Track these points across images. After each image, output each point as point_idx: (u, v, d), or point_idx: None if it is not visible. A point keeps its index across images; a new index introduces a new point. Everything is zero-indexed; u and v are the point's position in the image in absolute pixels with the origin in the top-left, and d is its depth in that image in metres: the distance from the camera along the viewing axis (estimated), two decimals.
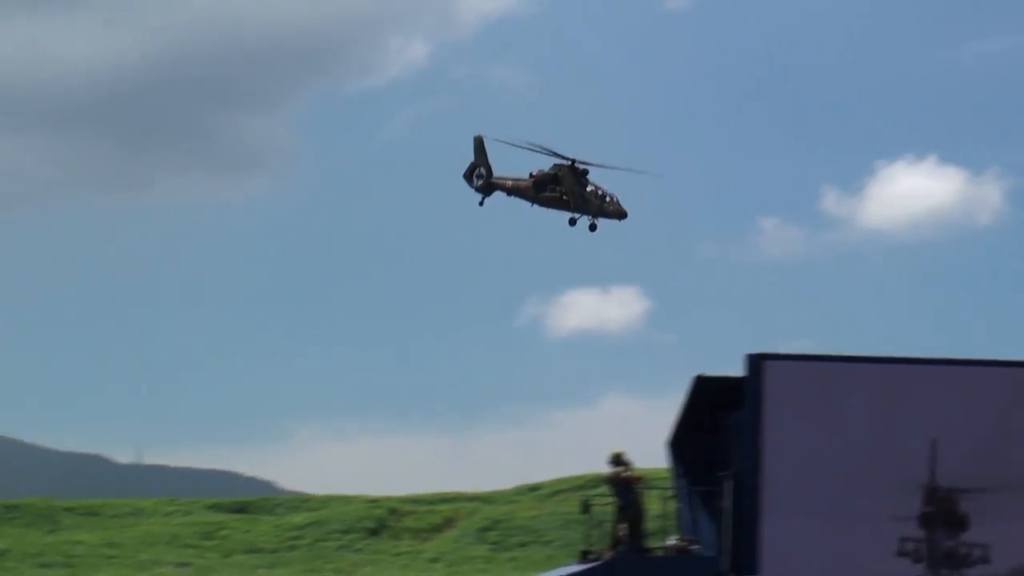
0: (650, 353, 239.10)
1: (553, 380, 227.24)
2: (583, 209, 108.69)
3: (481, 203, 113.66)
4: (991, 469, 32.09)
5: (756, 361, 31.71)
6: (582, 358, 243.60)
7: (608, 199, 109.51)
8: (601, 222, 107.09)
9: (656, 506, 33.84)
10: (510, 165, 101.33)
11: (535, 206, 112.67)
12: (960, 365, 32.55)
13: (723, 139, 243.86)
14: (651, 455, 34.67)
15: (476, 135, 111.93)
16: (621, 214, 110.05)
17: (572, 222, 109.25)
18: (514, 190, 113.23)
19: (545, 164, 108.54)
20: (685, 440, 33.78)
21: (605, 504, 33.57)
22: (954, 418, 32.06)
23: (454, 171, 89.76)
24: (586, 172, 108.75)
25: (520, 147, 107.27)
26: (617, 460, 33.35)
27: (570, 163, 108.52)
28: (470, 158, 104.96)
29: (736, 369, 32.03)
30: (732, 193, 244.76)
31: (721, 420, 32.78)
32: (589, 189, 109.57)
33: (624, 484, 32.92)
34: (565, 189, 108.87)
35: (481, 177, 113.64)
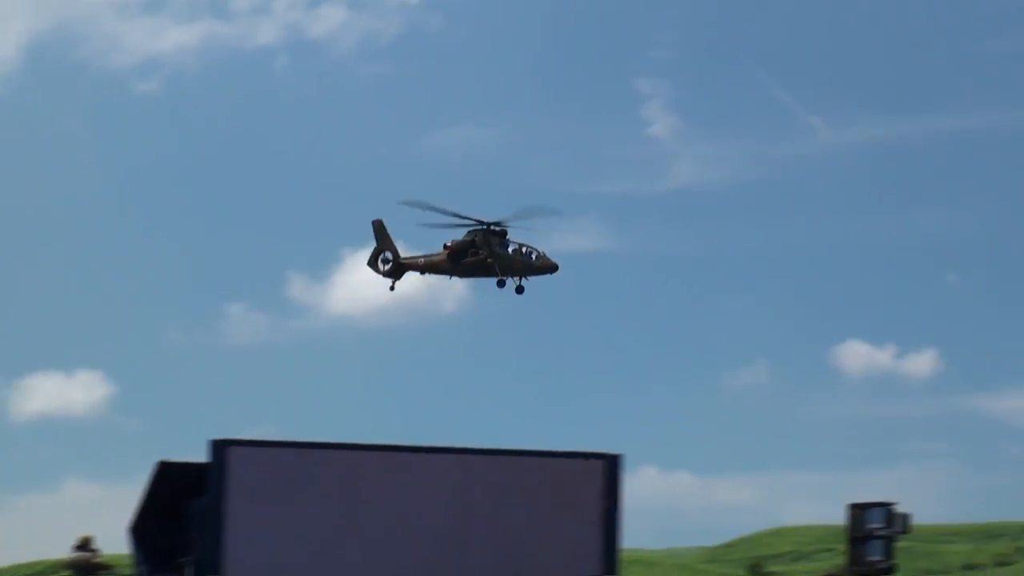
0: (115, 438, 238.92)
1: (14, 464, 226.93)
2: (509, 271, 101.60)
3: (392, 287, 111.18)
4: (451, 555, 32.41)
5: (219, 447, 31.53)
6: (45, 442, 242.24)
7: (535, 255, 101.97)
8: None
9: None
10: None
11: (453, 279, 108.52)
12: (419, 452, 32.80)
13: (186, 223, 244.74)
14: (117, 541, 34.48)
15: (375, 219, 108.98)
16: (551, 267, 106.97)
17: (500, 284, 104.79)
18: (428, 267, 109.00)
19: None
20: (147, 526, 33.55)
21: None
22: (415, 504, 32.34)
23: None
24: (505, 233, 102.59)
25: (436, 212, 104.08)
26: (84, 545, 33.57)
27: (485, 227, 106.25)
28: None
29: (201, 455, 31.83)
30: (199, 278, 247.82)
31: (184, 506, 32.61)
32: (512, 249, 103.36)
33: (90, 569, 33.15)
34: (487, 253, 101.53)
35: (388, 261, 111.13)
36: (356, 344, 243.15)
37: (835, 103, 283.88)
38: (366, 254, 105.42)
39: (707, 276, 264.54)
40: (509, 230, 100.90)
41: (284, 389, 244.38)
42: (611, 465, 33.29)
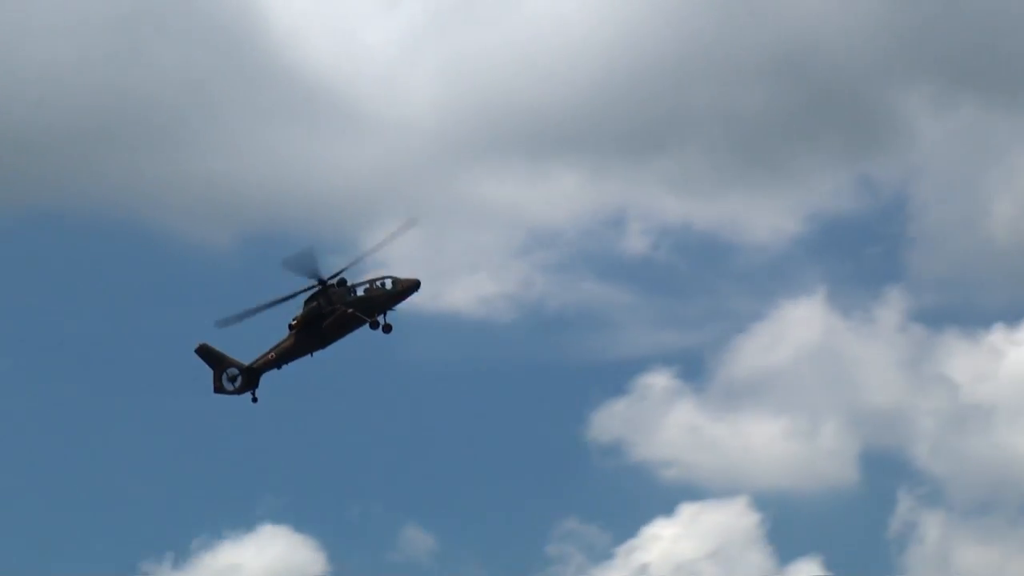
0: None
1: None
2: (376, 310, 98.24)
3: (255, 399, 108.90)
4: None
5: None
6: None
7: (390, 281, 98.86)
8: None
9: None
10: None
11: (327, 348, 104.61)
12: None
13: None
14: None
15: (198, 345, 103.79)
16: (413, 285, 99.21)
17: (374, 326, 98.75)
18: (283, 355, 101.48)
19: None
20: None
21: None
22: None
23: None
24: (344, 280, 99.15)
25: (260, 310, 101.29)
26: None
27: (320, 285, 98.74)
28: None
29: None
30: None
31: None
32: (364, 288, 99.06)
33: None
34: (342, 307, 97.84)
35: (234, 377, 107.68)
36: None
37: None
38: None
39: None
40: (345, 273, 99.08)
41: None
42: None
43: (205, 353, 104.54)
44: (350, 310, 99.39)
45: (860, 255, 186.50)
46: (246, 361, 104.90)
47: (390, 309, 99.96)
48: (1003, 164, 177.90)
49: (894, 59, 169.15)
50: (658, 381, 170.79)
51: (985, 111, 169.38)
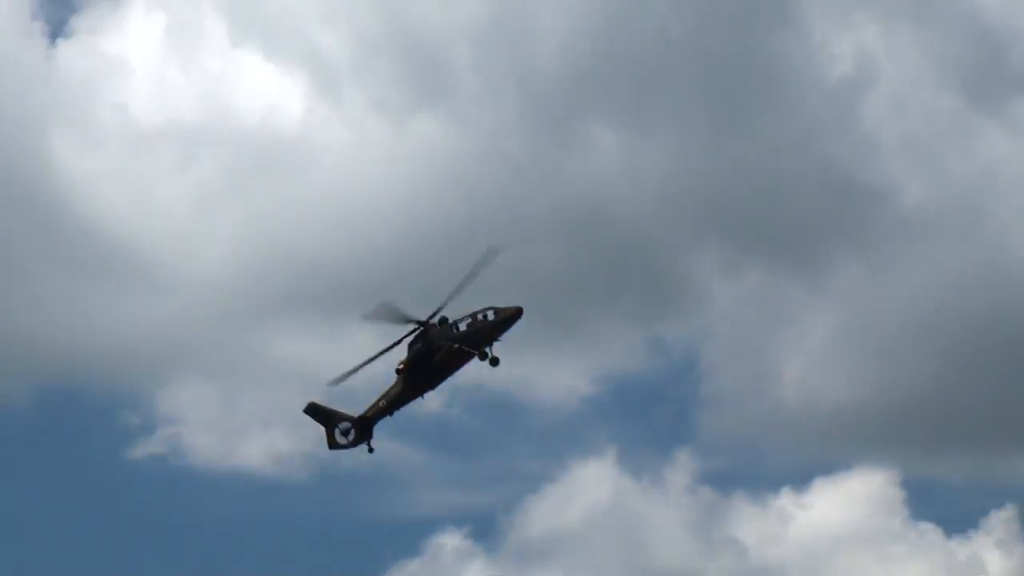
0: None
1: None
2: (483, 342, 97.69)
3: (371, 449, 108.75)
4: None
5: None
6: None
7: (492, 313, 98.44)
8: None
9: None
10: None
11: (438, 388, 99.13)
12: None
13: None
14: None
15: (307, 405, 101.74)
16: (516, 313, 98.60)
17: (483, 357, 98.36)
18: (395, 400, 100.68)
19: None
20: None
21: None
22: None
23: None
24: (445, 319, 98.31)
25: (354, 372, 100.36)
26: None
27: (420, 327, 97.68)
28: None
29: None
30: None
31: None
32: (468, 324, 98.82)
33: None
34: (447, 348, 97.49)
35: (347, 431, 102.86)
36: None
37: None
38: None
39: None
40: (444, 311, 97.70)
41: None
42: None
43: (314, 411, 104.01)
44: (456, 345, 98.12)
45: (651, 416, 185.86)
46: (355, 413, 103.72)
47: (496, 340, 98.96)
48: (792, 327, 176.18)
49: (686, 222, 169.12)
50: (450, 541, 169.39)
51: (774, 275, 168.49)
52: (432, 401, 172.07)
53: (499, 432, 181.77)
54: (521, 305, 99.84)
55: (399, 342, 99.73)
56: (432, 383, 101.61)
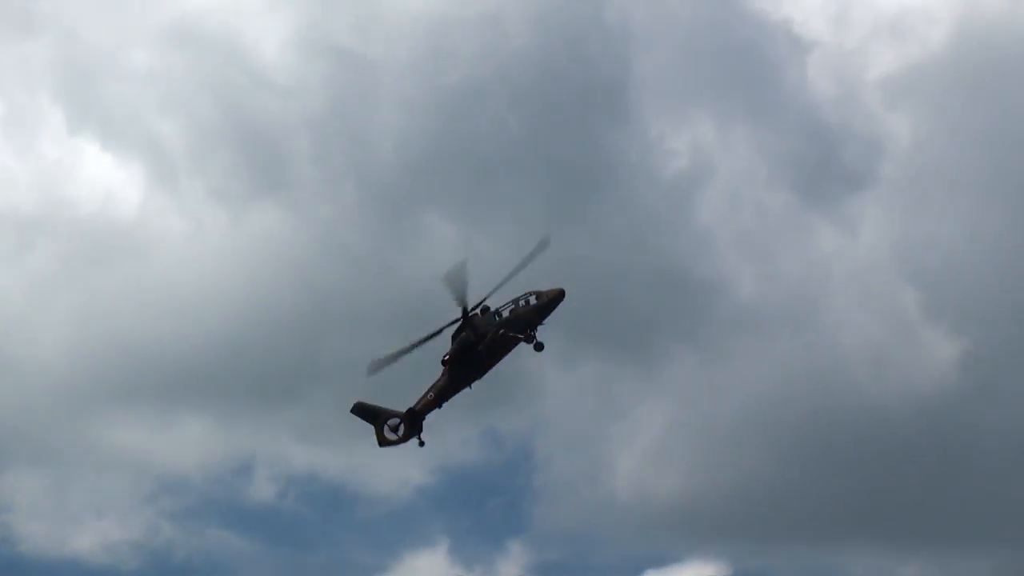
0: None
1: None
2: (527, 326, 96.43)
3: (421, 443, 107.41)
4: None
5: None
6: None
7: (534, 297, 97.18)
8: None
9: None
10: None
11: (491, 371, 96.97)
12: None
13: None
14: None
15: (353, 404, 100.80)
16: (559, 296, 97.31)
17: (529, 340, 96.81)
18: (443, 391, 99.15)
19: None
20: None
21: None
22: None
23: None
24: (487, 308, 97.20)
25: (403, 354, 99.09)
26: None
27: (464, 315, 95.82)
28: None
29: None
30: None
31: None
32: (510, 311, 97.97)
33: None
34: (493, 331, 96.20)
35: (396, 427, 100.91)
36: None
37: None
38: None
39: None
40: (488, 301, 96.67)
41: None
42: None
43: (361, 410, 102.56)
44: (501, 331, 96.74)
45: (484, 507, 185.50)
46: (402, 408, 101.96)
47: (540, 324, 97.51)
48: (626, 419, 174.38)
49: None
50: None
51: (609, 367, 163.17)
52: (265, 490, 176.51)
53: (332, 522, 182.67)
54: (563, 288, 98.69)
55: (440, 331, 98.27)
56: (480, 372, 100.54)
